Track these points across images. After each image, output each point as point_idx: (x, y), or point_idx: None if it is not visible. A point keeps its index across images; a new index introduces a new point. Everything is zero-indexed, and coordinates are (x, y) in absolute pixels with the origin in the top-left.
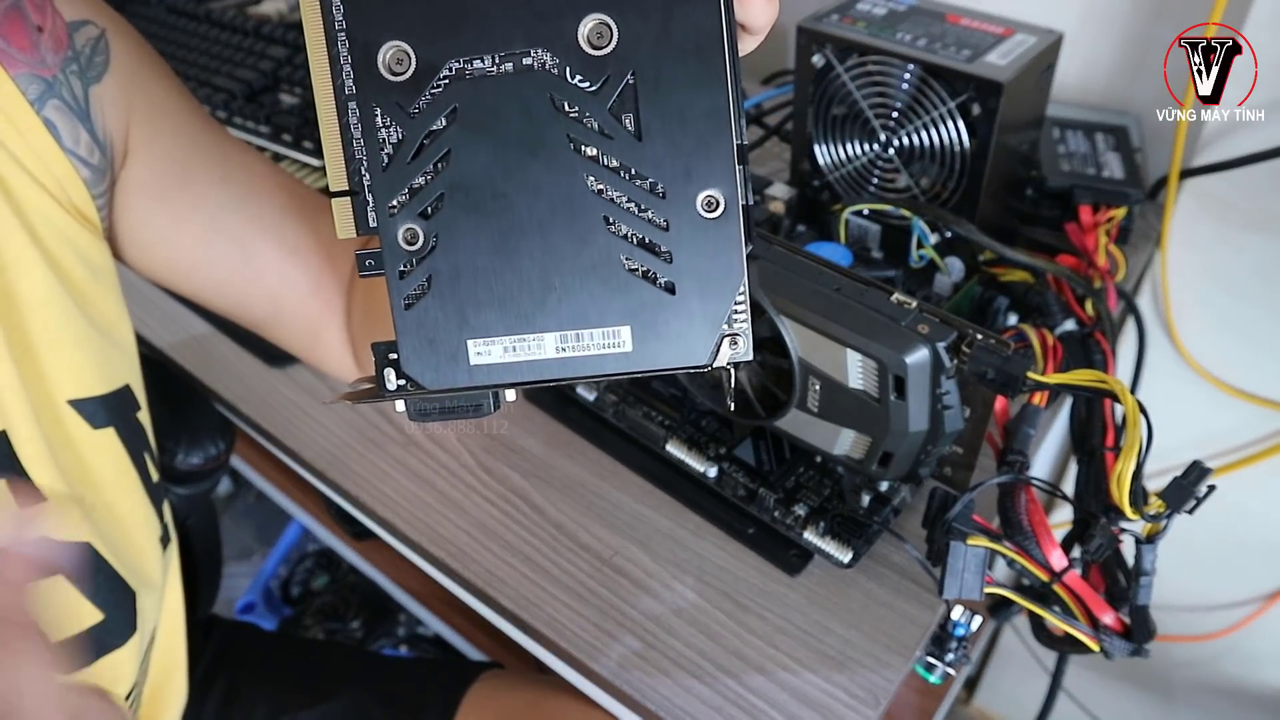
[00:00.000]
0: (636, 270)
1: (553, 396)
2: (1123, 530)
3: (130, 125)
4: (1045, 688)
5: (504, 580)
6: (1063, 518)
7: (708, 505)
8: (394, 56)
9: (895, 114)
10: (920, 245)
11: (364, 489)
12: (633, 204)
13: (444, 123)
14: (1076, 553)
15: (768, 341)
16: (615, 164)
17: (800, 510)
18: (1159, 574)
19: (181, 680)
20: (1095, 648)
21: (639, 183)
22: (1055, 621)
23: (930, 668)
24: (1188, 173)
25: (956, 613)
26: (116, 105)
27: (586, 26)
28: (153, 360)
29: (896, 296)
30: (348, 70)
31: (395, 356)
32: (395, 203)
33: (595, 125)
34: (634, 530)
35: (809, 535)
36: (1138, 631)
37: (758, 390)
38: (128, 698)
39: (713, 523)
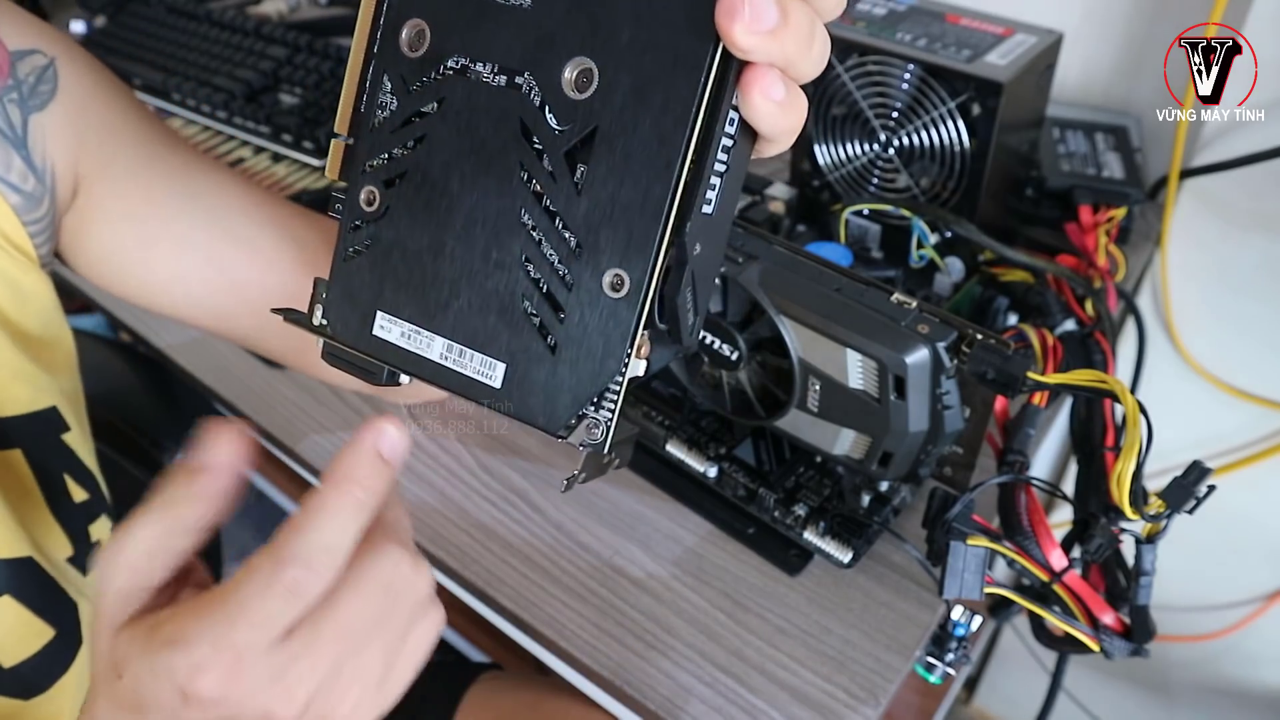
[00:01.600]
0: (533, 316)
1: None
2: (1123, 530)
3: (80, 152)
4: (1045, 688)
5: (504, 580)
6: (1063, 518)
7: (708, 505)
8: (415, 34)
9: (895, 114)
10: (920, 245)
11: None
12: (553, 252)
13: (433, 108)
14: (1076, 553)
15: (768, 341)
16: (554, 208)
17: (800, 510)
18: (1159, 574)
19: None
20: (1095, 648)
21: (565, 234)
22: (1055, 621)
23: (930, 668)
24: (1188, 173)
25: (956, 613)
26: (63, 133)
27: (573, 68)
28: (153, 360)
29: (896, 296)
30: (381, 33)
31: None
32: (374, 163)
33: (548, 164)
34: (634, 530)
35: (809, 535)
36: (1138, 631)
37: (758, 390)
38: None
39: (713, 523)
